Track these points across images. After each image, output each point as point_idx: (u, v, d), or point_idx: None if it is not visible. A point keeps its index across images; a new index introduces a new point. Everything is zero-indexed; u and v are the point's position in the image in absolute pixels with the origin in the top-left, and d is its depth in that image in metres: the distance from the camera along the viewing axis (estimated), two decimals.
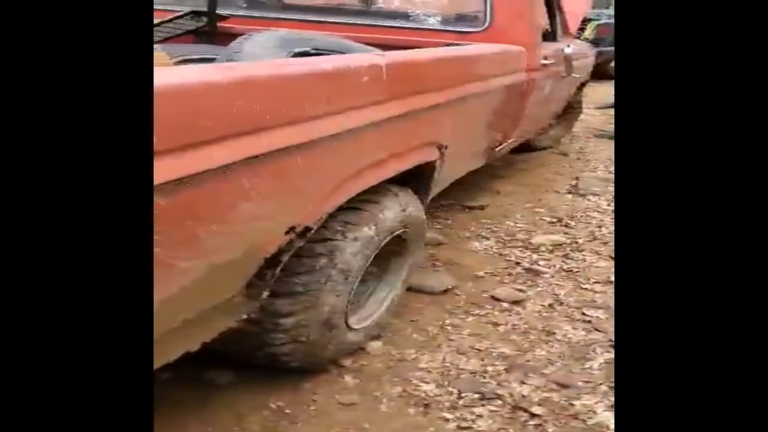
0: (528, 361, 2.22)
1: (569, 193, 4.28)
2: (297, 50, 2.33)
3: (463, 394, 2.00)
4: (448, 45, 2.98)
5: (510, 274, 2.91)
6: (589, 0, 5.70)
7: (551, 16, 4.14)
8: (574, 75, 4.20)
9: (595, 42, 7.91)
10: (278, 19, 3.35)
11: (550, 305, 2.63)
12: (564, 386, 2.07)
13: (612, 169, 4.92)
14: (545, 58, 3.54)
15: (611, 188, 4.36)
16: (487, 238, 3.33)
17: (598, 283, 2.85)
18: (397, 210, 2.07)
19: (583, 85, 5.52)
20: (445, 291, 2.66)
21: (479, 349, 2.26)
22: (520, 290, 2.73)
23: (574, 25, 5.22)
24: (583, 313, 2.56)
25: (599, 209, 3.93)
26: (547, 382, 2.10)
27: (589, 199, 4.14)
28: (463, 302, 2.61)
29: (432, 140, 2.28)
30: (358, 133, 1.67)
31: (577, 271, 2.96)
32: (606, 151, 5.60)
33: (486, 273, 2.90)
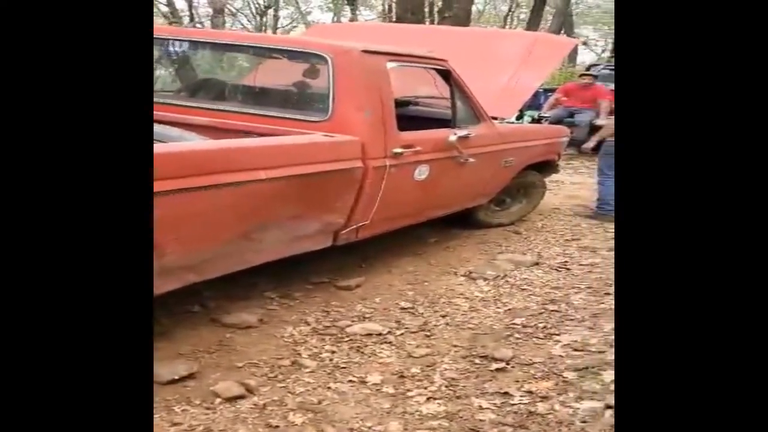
0: None
1: (464, 276, 4.10)
2: None
3: None
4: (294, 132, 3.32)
5: (272, 367, 2.75)
6: (539, 77, 5.47)
7: (452, 104, 4.22)
8: (470, 159, 4.16)
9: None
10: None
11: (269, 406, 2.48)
12: None
13: (541, 250, 4.68)
14: (410, 146, 3.68)
15: (516, 272, 4.17)
16: (307, 323, 3.28)
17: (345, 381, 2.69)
18: None
19: (545, 164, 5.47)
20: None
21: None
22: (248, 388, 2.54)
23: (516, 104, 5.20)
24: None
25: (468, 295, 3.75)
26: None
27: (476, 284, 3.96)
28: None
29: None
30: None
31: (343, 367, 2.86)
32: (566, 230, 5.30)
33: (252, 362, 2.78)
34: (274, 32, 23.99)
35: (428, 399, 2.52)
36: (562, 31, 23.09)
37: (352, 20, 20.98)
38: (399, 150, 3.60)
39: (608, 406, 2.38)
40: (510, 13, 31.55)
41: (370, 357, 2.91)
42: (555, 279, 4.06)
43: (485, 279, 4.03)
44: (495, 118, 4.68)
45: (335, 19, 26.47)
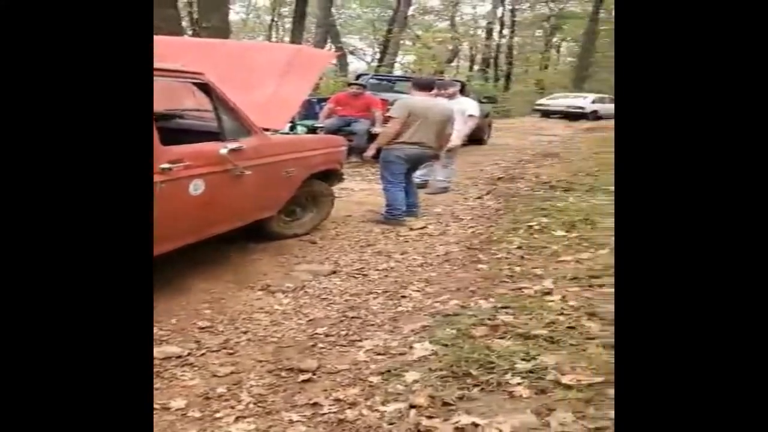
0: None
1: (262, 290, 4.05)
2: None
3: None
4: None
5: None
6: (304, 89, 5.60)
7: (218, 118, 4.16)
8: (246, 171, 4.19)
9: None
10: None
11: None
12: None
13: (338, 258, 4.76)
14: (178, 160, 3.63)
15: (314, 282, 4.19)
16: None
17: None
18: None
19: (330, 174, 5.59)
20: None
21: None
22: None
23: (285, 115, 5.28)
24: None
25: (268, 309, 3.70)
26: None
27: (275, 297, 3.93)
28: None
29: None
30: None
31: None
32: (360, 236, 5.44)
33: None
34: None
35: (237, 418, 2.47)
36: (329, 41, 23.70)
37: None
38: (167, 165, 3.52)
39: (412, 406, 2.47)
40: (274, 22, 31.79)
41: (171, 381, 2.79)
42: (353, 286, 4.15)
43: (284, 292, 4.03)
44: (267, 130, 4.70)
45: None
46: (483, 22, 36.86)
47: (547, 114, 24.65)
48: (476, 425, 2.28)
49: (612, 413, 2.23)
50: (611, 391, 2.40)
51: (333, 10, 25.27)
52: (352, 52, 33.25)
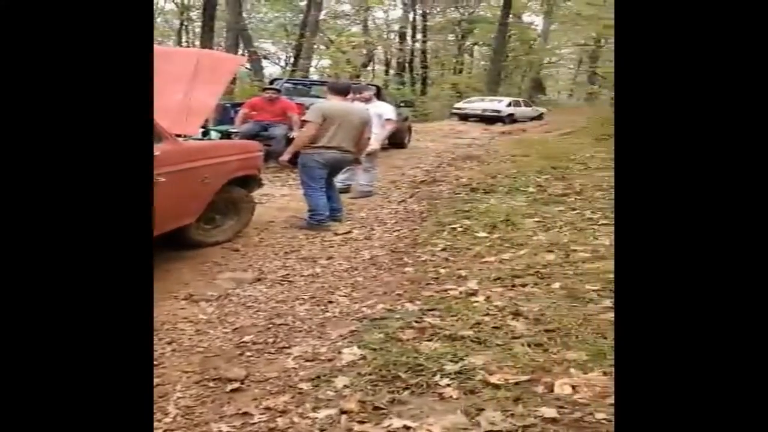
0: None
1: (185, 299, 3.97)
2: None
3: None
4: None
5: None
6: (213, 94, 5.54)
7: None
8: (160, 178, 4.09)
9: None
10: None
11: None
12: None
13: (262, 265, 4.71)
14: None
15: (238, 290, 4.13)
16: None
17: None
18: None
19: (248, 179, 5.53)
20: None
21: None
22: None
23: (197, 120, 5.27)
24: None
25: (192, 319, 3.62)
26: None
27: (199, 306, 3.85)
28: None
29: None
30: None
31: None
32: (284, 242, 5.40)
33: None
34: None
35: None
36: (240, 46, 23.43)
37: None
38: None
39: (343, 411, 2.46)
40: (183, 26, 31.21)
41: None
42: (279, 293, 4.11)
43: (208, 300, 3.96)
44: (180, 136, 4.63)
45: None
46: (395, 27, 37.23)
47: (464, 117, 25.01)
48: (408, 428, 2.29)
49: (540, 410, 2.29)
50: (538, 389, 2.46)
51: (244, 14, 24.97)
52: (265, 57, 32.96)
